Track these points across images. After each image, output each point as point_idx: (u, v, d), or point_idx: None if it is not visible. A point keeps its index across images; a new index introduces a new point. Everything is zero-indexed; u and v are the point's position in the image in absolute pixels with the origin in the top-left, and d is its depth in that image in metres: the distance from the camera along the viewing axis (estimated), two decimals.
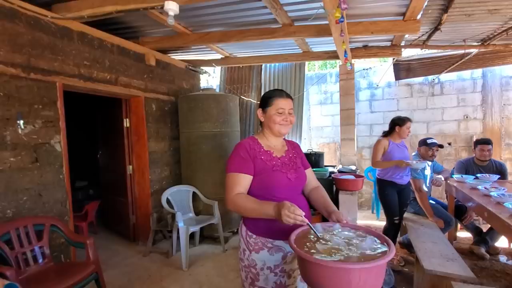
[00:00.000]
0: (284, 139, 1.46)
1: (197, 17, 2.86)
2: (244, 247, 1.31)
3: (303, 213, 1.03)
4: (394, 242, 3.09)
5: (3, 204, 2.11)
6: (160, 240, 3.69)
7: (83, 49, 2.71)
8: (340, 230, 1.11)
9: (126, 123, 3.56)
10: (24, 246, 2.08)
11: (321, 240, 1.02)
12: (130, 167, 3.59)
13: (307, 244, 1.01)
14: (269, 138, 1.38)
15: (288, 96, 1.35)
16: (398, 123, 2.91)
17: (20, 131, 2.21)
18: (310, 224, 1.06)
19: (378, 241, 1.02)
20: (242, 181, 1.25)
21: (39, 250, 2.17)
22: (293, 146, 1.47)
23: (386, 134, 3.01)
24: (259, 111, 1.38)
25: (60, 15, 2.39)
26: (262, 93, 4.75)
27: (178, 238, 3.08)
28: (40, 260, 2.16)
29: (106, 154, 4.08)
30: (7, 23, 2.13)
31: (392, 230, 2.93)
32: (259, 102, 1.44)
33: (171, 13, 2.04)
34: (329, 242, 1.01)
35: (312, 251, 0.96)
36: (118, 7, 2.22)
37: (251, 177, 1.27)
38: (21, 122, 2.21)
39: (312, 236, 1.06)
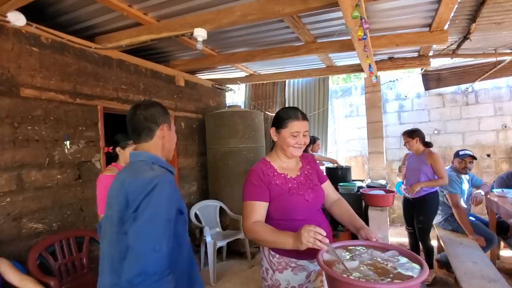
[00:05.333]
0: None
1: (223, 40, 3.03)
2: (267, 266, 1.29)
3: (325, 233, 1.00)
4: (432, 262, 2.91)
5: (50, 217, 2.31)
6: None
7: (121, 74, 2.96)
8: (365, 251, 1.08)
9: None
10: (66, 258, 2.25)
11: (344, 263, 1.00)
12: None
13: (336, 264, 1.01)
14: (282, 158, 1.33)
15: (304, 117, 1.30)
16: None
17: (66, 150, 2.44)
18: (331, 247, 1.02)
19: (410, 261, 0.99)
20: (258, 209, 1.22)
21: (79, 261, 2.32)
22: (308, 160, 1.41)
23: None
24: (272, 130, 1.32)
25: (102, 45, 2.66)
26: None
27: (205, 252, 3.13)
28: (80, 271, 2.30)
29: None
30: (58, 56, 2.41)
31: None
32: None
33: (200, 38, 2.19)
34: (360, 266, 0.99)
35: (340, 268, 0.96)
36: (152, 35, 2.43)
37: (267, 203, 1.24)
38: (68, 142, 2.44)
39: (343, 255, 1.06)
